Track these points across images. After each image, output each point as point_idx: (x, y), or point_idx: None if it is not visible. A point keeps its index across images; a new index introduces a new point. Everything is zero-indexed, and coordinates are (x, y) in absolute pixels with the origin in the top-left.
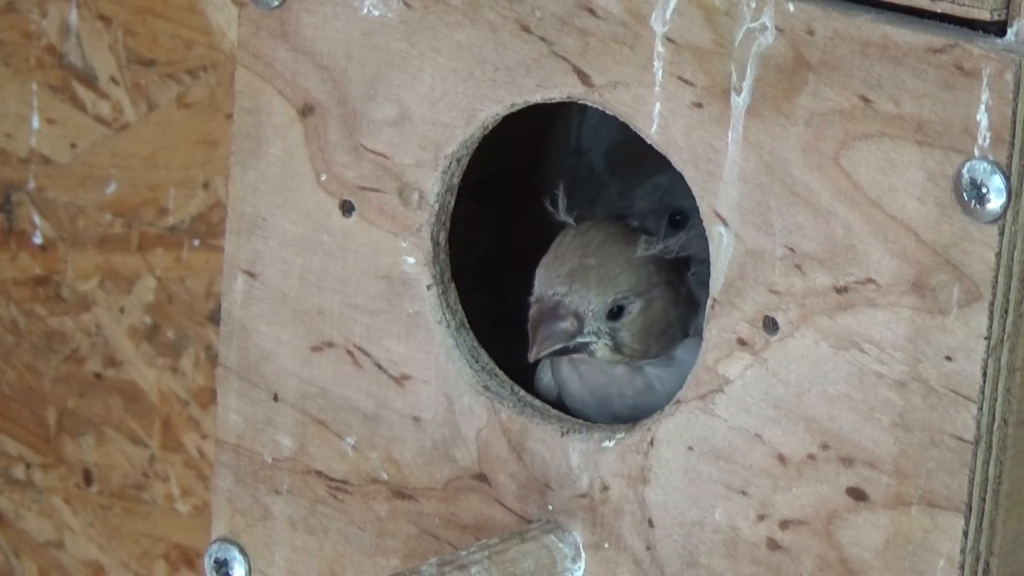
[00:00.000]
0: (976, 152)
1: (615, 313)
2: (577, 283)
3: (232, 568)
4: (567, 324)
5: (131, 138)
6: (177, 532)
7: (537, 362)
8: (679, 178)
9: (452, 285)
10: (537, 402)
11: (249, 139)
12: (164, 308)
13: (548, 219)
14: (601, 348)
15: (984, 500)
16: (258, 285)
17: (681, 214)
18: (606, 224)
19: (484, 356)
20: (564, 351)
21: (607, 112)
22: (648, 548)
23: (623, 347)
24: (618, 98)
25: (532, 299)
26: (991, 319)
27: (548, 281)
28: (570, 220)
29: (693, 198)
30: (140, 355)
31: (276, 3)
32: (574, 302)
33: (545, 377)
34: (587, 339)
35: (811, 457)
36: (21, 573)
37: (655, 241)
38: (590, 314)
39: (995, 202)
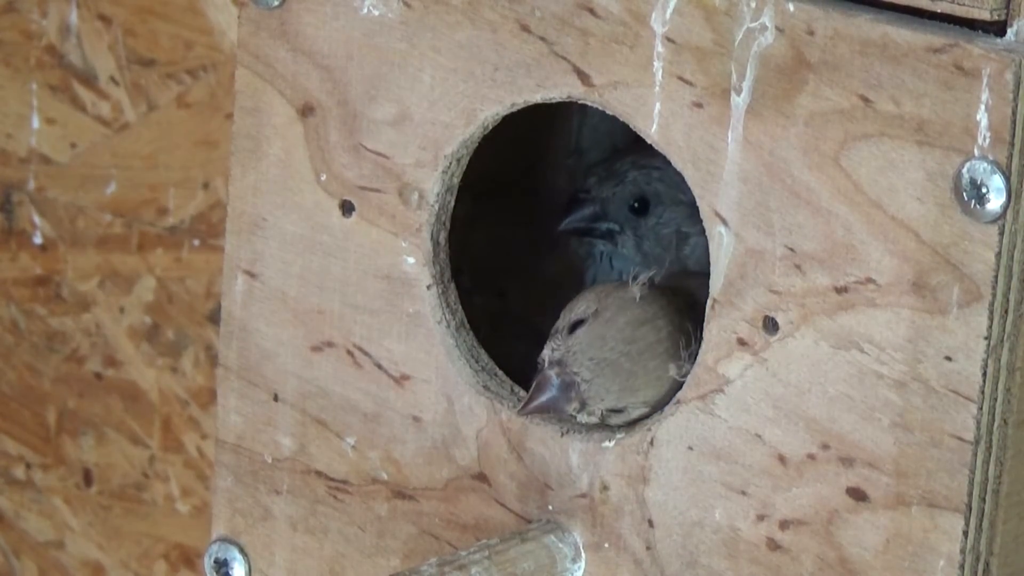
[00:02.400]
0: (976, 152)
1: (616, 412)
2: (602, 379)
3: (232, 568)
4: (570, 407)
5: (131, 138)
6: (177, 532)
7: (536, 360)
8: (641, 166)
9: (452, 285)
10: None
11: (249, 139)
12: (164, 308)
13: (548, 219)
14: (584, 419)
15: (984, 500)
16: (258, 285)
17: (641, 201)
18: (666, 320)
19: (484, 356)
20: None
21: (607, 112)
22: (648, 548)
23: (603, 420)
24: (618, 98)
25: (552, 354)
26: (991, 319)
27: (579, 355)
28: (641, 292)
29: (655, 185)
30: (140, 355)
31: (276, 3)
32: (589, 393)
33: None
34: (578, 415)
35: (811, 457)
36: (21, 573)
37: (686, 366)
38: (598, 405)
39: (995, 202)
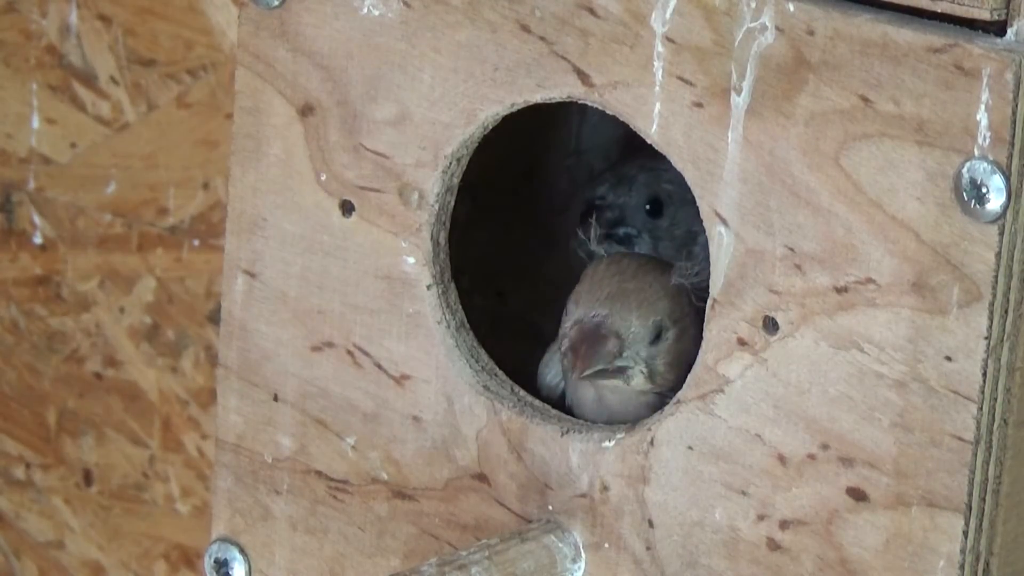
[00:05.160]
0: (976, 152)
1: (655, 338)
2: (618, 304)
3: (232, 568)
4: (610, 345)
5: (131, 138)
6: (177, 532)
7: (536, 361)
8: (648, 168)
9: (452, 285)
10: (537, 402)
11: (249, 139)
12: (164, 308)
13: (548, 220)
14: (637, 375)
15: (984, 500)
16: (258, 285)
17: (655, 203)
18: (637, 255)
19: (484, 356)
20: (603, 373)
21: (607, 112)
22: (648, 548)
23: (657, 375)
24: (618, 98)
25: (570, 324)
26: (991, 319)
27: (588, 304)
28: (601, 251)
29: (664, 185)
30: (140, 355)
31: (276, 3)
32: (615, 323)
33: (548, 374)
34: (626, 363)
35: (811, 457)
36: (21, 573)
37: (689, 268)
38: (631, 336)
39: (995, 202)
